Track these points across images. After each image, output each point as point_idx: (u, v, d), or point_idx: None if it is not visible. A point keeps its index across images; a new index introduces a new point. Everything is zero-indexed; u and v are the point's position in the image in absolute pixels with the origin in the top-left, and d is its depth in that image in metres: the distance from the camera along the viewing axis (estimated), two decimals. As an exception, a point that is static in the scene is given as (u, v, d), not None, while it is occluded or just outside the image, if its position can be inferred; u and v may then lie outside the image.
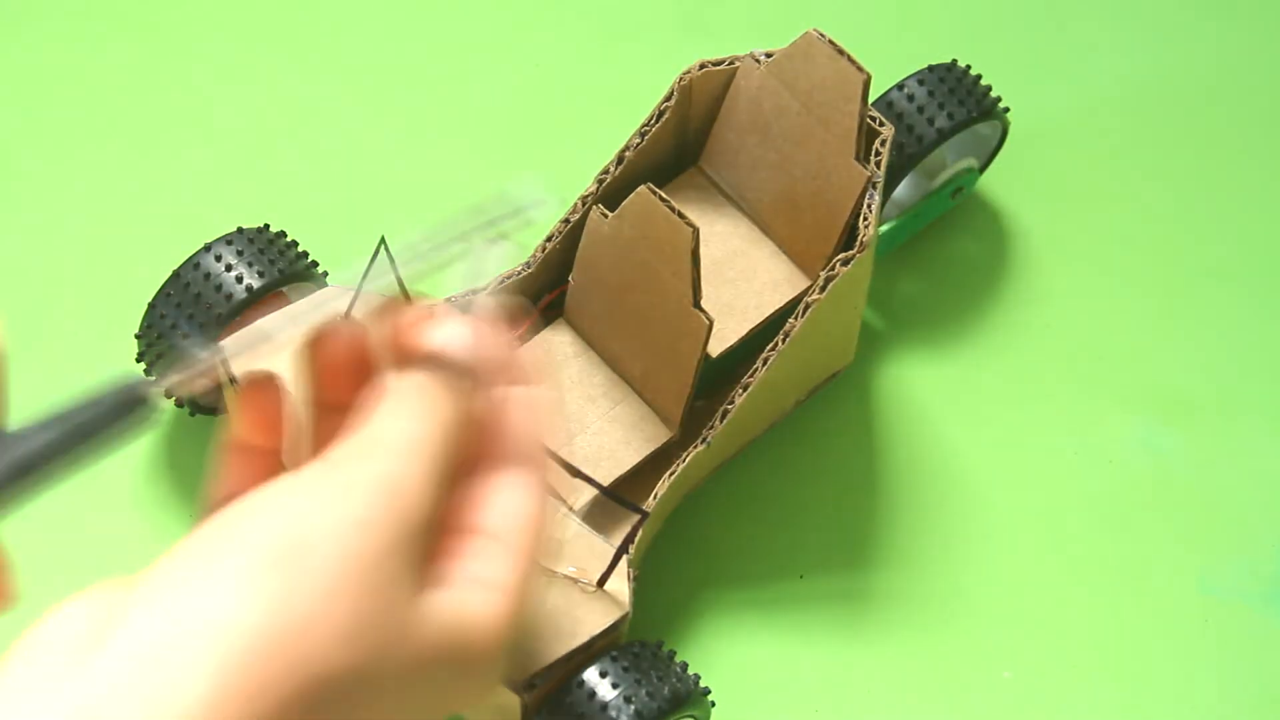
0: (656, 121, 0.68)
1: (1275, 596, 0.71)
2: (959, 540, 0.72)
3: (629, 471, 0.67)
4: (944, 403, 0.74)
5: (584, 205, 0.68)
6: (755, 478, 0.72)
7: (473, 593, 0.36)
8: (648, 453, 0.67)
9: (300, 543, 0.33)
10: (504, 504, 0.37)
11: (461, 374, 0.38)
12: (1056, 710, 0.69)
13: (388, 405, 0.37)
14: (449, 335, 0.38)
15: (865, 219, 0.66)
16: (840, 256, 0.65)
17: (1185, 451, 0.74)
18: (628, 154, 0.68)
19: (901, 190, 0.75)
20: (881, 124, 0.66)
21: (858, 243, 0.65)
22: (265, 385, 0.41)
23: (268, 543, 0.33)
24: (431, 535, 0.36)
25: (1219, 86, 0.83)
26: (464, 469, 0.38)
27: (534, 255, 0.69)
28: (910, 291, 0.77)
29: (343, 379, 0.39)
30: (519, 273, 0.69)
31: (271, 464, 0.40)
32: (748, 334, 0.68)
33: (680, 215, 0.62)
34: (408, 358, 0.38)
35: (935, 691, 0.69)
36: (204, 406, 0.71)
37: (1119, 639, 0.70)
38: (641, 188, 0.63)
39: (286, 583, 0.33)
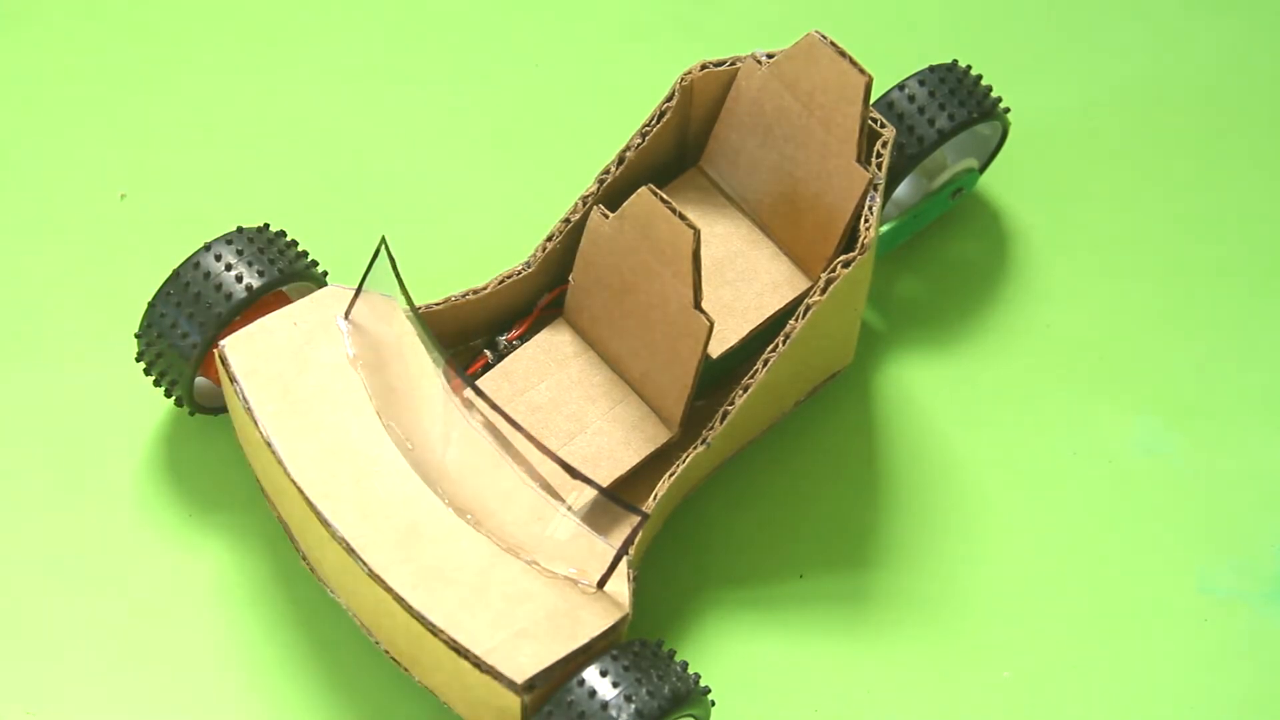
0: (657, 122, 0.68)
1: (1275, 596, 0.71)
2: (959, 540, 0.72)
3: (629, 472, 0.67)
4: (944, 403, 0.74)
5: (584, 205, 0.68)
6: (755, 477, 0.72)
7: None
8: (648, 453, 0.67)
9: None
10: None
11: None
12: (1056, 710, 0.69)
13: None
14: None
15: (866, 221, 0.66)
16: (841, 258, 0.65)
17: (1185, 451, 0.74)
18: (629, 154, 0.68)
19: (901, 190, 0.75)
20: (883, 125, 0.67)
21: (859, 244, 0.65)
22: None
23: None
24: None
25: (1219, 86, 0.83)
26: None
27: (534, 255, 0.69)
28: (910, 292, 0.77)
29: None
30: (519, 272, 0.69)
31: None
32: (748, 335, 0.68)
33: (681, 216, 0.62)
34: None
35: (935, 691, 0.69)
36: (204, 407, 0.71)
37: (1119, 639, 0.70)
38: (643, 189, 0.63)
39: None
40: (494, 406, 0.63)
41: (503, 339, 0.69)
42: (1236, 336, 0.76)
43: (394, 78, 0.81)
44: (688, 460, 0.66)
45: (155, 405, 0.72)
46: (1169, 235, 0.79)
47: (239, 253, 0.68)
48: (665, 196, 0.63)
